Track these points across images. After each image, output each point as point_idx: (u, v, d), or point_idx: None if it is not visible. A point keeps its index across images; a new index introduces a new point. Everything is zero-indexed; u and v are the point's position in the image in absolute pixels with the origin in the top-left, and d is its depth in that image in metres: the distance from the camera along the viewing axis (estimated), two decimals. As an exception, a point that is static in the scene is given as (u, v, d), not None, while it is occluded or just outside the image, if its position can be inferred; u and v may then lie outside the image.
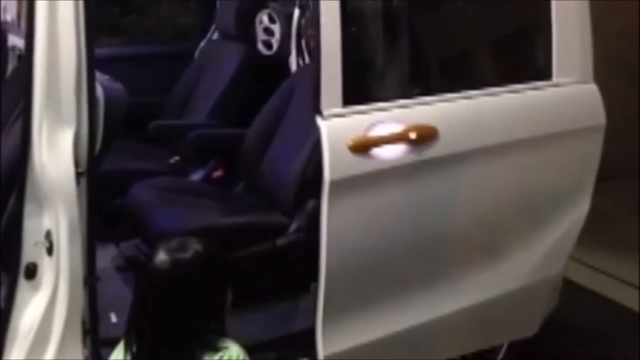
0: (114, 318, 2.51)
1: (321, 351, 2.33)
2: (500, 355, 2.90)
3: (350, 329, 2.37)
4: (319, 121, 2.22)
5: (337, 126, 2.23)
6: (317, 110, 2.22)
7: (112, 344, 2.20)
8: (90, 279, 2.08)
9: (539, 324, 2.78)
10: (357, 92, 2.30)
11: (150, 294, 1.74)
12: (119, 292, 2.71)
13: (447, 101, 2.41)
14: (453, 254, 2.52)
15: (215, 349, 1.75)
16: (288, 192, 2.75)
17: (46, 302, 1.99)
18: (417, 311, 2.48)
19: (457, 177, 2.42)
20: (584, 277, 3.73)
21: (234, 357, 1.77)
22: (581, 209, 2.70)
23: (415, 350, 2.56)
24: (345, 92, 2.23)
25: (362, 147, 2.24)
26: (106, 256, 2.88)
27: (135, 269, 2.83)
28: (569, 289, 2.96)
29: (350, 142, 2.22)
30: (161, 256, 1.72)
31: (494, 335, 2.78)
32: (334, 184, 2.20)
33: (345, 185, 2.22)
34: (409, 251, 2.41)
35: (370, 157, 2.25)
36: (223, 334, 1.79)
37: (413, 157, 2.31)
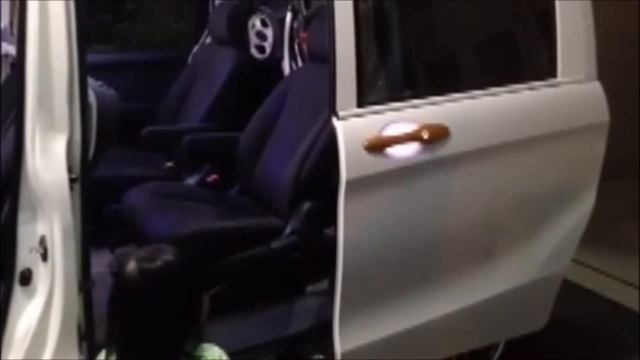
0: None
1: (338, 348, 2.37)
2: (497, 354, 2.92)
3: (366, 325, 2.41)
4: (335, 122, 2.27)
5: (353, 126, 2.28)
6: (333, 111, 2.27)
7: (108, 349, 2.20)
8: (86, 284, 2.08)
9: (547, 318, 2.83)
10: (371, 93, 2.36)
11: (120, 303, 1.72)
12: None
13: (457, 101, 2.47)
14: (465, 250, 2.57)
15: (194, 357, 1.74)
16: (282, 195, 2.76)
17: (41, 308, 1.99)
18: (433, 306, 2.53)
19: (468, 175, 2.48)
20: (583, 277, 3.73)
21: (217, 358, 1.76)
22: (587, 204, 2.75)
23: (434, 343, 2.62)
24: (359, 93, 2.29)
25: (377, 147, 2.29)
26: (101, 262, 2.88)
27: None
28: (568, 289, 2.97)
29: (366, 142, 2.27)
30: (129, 266, 1.69)
31: (506, 328, 2.83)
32: (350, 184, 2.25)
33: (361, 185, 2.27)
34: (423, 248, 2.47)
35: (385, 156, 2.31)
36: (200, 340, 1.77)
37: (426, 156, 2.37)
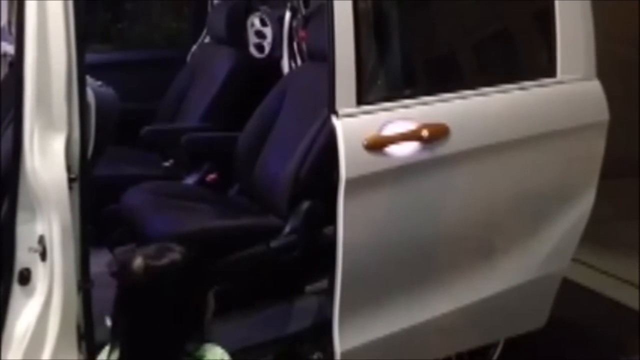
0: (109, 323, 2.50)
1: (338, 347, 2.37)
2: (496, 354, 2.92)
3: (366, 324, 2.41)
4: (334, 121, 2.26)
5: (352, 125, 2.27)
6: (332, 110, 2.27)
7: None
8: (85, 284, 2.08)
9: (547, 317, 2.82)
10: (370, 92, 2.36)
11: (126, 299, 1.73)
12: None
13: (457, 99, 2.47)
14: (465, 249, 2.57)
15: (195, 357, 1.74)
16: (282, 194, 2.76)
17: (40, 308, 1.98)
18: (433, 305, 2.52)
19: (468, 174, 2.48)
20: (583, 276, 3.73)
21: (218, 358, 1.76)
22: (587, 203, 2.75)
23: (433, 342, 2.62)
24: (359, 92, 2.28)
25: (377, 146, 2.29)
26: (101, 261, 2.87)
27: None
28: (568, 288, 2.96)
29: (365, 141, 2.27)
30: (136, 262, 1.70)
31: (506, 327, 2.82)
32: (350, 183, 2.24)
33: (360, 183, 2.26)
34: (423, 247, 2.46)
35: (385, 155, 2.30)
36: (203, 340, 1.77)
37: (425, 155, 2.36)
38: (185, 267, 1.71)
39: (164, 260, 1.70)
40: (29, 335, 1.99)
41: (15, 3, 2.08)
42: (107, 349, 1.81)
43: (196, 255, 1.77)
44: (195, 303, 1.75)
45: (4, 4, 2.52)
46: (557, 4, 2.63)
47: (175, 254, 1.71)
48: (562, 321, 2.93)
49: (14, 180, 1.95)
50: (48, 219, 1.96)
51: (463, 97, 2.48)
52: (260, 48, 3.65)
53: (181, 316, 1.71)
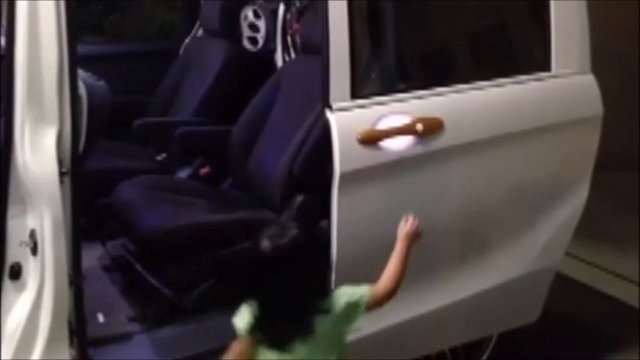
0: (101, 318, 2.50)
1: None
2: (490, 348, 2.92)
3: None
4: (328, 114, 2.26)
5: (346, 119, 2.27)
6: (326, 104, 2.26)
7: (99, 344, 2.19)
8: (76, 278, 2.06)
9: (540, 311, 2.83)
10: (365, 86, 2.36)
11: (258, 274, 1.92)
12: (106, 292, 2.70)
13: (452, 93, 2.47)
14: (458, 244, 2.58)
15: (324, 309, 1.92)
16: (275, 188, 2.75)
17: (32, 303, 1.97)
18: (427, 299, 2.52)
19: (462, 168, 2.48)
20: (581, 272, 3.74)
21: (343, 296, 1.96)
22: (580, 197, 2.76)
23: (428, 336, 2.63)
24: (353, 85, 2.28)
25: (371, 140, 2.29)
26: (92, 256, 2.86)
27: (122, 268, 2.82)
28: (565, 284, 2.96)
29: (359, 135, 2.26)
30: (264, 244, 1.88)
31: (499, 321, 2.83)
32: (344, 176, 2.24)
33: (354, 178, 2.26)
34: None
35: (379, 149, 2.30)
36: (330, 293, 1.97)
37: (420, 149, 2.36)
38: (302, 240, 1.92)
39: (286, 239, 1.89)
40: (20, 330, 1.98)
41: (5, -5, 2.06)
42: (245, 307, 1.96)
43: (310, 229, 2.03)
44: (316, 266, 1.98)
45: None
46: (552, -2, 2.63)
47: (293, 231, 1.91)
48: (559, 317, 2.93)
49: (5, 174, 1.94)
50: (39, 213, 1.95)
51: (458, 91, 2.48)
52: (253, 41, 3.63)
53: (306, 277, 1.91)
